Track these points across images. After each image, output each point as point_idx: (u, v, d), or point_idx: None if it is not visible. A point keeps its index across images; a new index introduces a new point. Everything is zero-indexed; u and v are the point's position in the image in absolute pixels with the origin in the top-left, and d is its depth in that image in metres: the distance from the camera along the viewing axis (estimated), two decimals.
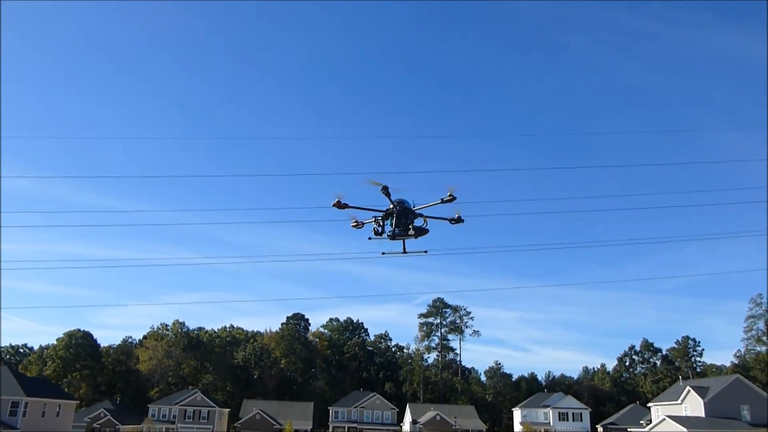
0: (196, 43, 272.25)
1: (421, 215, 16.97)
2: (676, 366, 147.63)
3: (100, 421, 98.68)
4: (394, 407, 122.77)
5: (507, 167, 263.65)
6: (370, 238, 17.47)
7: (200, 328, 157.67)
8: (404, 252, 17.57)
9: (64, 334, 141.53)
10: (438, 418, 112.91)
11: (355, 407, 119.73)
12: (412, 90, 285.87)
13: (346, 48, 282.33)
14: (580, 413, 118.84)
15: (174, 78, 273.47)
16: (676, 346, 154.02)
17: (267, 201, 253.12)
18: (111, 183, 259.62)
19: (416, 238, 16.98)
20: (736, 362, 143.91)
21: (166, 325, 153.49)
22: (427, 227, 17.01)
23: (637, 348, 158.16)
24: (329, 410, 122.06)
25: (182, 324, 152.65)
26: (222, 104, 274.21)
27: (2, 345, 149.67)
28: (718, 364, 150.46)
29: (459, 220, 17.27)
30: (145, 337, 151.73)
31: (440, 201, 16.11)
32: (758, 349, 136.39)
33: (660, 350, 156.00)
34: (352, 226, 17.67)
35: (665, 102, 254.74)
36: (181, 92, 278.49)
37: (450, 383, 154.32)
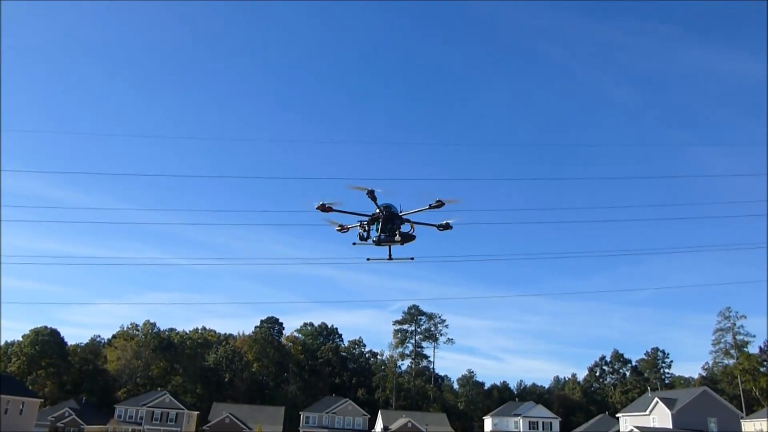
0: (175, 42, 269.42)
1: (408, 221, 16.54)
2: (645, 377, 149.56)
3: (64, 421, 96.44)
4: (365, 413, 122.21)
5: (480, 176, 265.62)
6: (354, 244, 16.99)
7: (171, 329, 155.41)
8: (390, 258, 17.10)
9: (30, 330, 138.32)
10: (409, 425, 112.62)
11: (327, 413, 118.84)
12: (394, 96, 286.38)
13: (332, 54, 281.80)
14: (550, 423, 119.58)
15: (153, 76, 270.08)
16: (645, 358, 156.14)
17: (244, 203, 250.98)
18: (83, 179, 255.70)
19: (402, 244, 16.50)
20: (704, 375, 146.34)
21: (137, 325, 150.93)
22: (413, 233, 16.54)
23: (608, 359, 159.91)
24: (300, 415, 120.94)
25: (153, 324, 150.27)
26: (200, 104, 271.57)
27: None
28: (687, 376, 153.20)
29: (447, 226, 16.86)
30: (114, 337, 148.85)
31: (428, 207, 15.71)
32: (726, 362, 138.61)
33: (630, 361, 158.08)
34: (337, 230, 17.21)
35: (637, 114, 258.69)
36: (159, 91, 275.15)
37: (422, 390, 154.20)
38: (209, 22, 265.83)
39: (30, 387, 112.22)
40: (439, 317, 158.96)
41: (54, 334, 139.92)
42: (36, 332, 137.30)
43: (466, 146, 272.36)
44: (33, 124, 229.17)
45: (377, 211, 16.39)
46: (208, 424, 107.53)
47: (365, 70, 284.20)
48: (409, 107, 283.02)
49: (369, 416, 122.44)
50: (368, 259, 17.72)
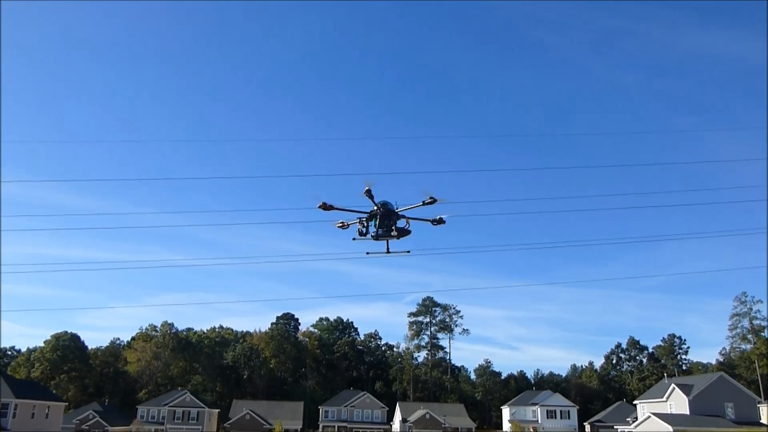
0: (182, 43, 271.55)
1: (403, 216, 17.52)
2: (662, 364, 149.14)
3: (88, 423, 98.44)
4: (383, 406, 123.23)
5: (491, 167, 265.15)
6: (354, 239, 18.06)
7: (189, 329, 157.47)
8: (388, 252, 18.20)
9: (51, 336, 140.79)
10: (427, 416, 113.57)
11: (345, 406, 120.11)
12: (396, 90, 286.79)
13: (336, 51, 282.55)
14: (568, 411, 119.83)
15: (160, 79, 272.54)
16: (662, 344, 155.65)
17: (254, 202, 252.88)
18: (96, 186, 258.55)
19: (399, 239, 17.51)
20: (722, 360, 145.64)
21: (155, 326, 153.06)
22: (409, 228, 17.54)
23: (624, 346, 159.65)
24: (319, 409, 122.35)
25: (171, 325, 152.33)
26: (209, 105, 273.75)
27: None
28: (704, 362, 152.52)
29: (440, 221, 17.87)
30: (133, 339, 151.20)
31: (422, 203, 16.65)
32: (743, 347, 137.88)
33: (646, 348, 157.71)
34: (338, 226, 18.19)
35: (645, 101, 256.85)
36: (168, 93, 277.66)
37: (440, 382, 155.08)
38: (213, 22, 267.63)
39: (54, 391, 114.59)
40: (454, 308, 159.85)
41: (75, 338, 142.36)
42: (57, 338, 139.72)
43: (473, 138, 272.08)
44: (45, 134, 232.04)
45: (375, 208, 17.38)
46: (229, 422, 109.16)
47: (369, 65, 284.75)
48: (412, 101, 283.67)
49: (387, 408, 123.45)
50: (368, 253, 18.86)
